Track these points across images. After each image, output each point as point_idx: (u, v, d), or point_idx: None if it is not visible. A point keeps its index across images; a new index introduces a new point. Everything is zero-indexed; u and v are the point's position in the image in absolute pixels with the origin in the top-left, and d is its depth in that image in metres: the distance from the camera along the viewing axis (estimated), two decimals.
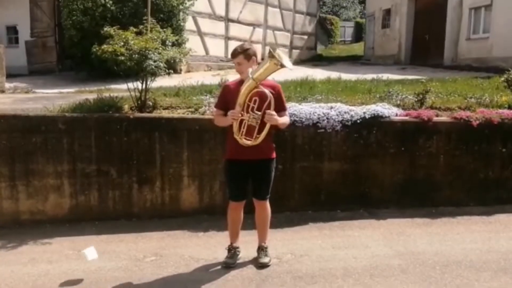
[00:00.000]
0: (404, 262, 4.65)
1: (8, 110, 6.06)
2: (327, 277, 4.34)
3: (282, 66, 4.07)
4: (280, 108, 4.37)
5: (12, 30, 16.95)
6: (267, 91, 4.17)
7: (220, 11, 16.46)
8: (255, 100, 4.19)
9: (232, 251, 4.65)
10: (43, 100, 7.24)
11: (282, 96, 4.47)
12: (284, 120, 4.44)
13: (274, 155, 4.53)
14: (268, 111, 4.17)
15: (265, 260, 4.56)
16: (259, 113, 4.18)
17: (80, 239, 5.28)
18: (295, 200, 6.11)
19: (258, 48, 18.20)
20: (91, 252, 4.48)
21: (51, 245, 5.18)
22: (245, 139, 4.24)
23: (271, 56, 4.07)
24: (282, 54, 4.16)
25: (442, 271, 4.44)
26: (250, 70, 4.25)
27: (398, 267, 4.54)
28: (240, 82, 4.34)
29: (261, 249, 4.64)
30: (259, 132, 4.22)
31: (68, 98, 7.33)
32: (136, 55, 5.70)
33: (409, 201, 6.19)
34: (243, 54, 4.36)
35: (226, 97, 4.42)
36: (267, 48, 18.63)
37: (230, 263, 4.56)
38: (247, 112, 4.20)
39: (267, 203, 4.60)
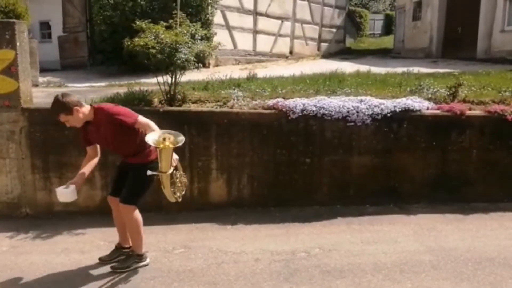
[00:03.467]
0: (435, 258, 4.58)
1: (42, 104, 6.18)
2: (356, 272, 4.31)
3: (176, 143, 3.95)
4: (130, 126, 4.11)
5: (45, 26, 17.29)
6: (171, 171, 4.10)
7: (249, 4, 16.41)
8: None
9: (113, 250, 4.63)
10: (75, 94, 7.32)
11: (120, 118, 4.08)
12: (148, 140, 3.96)
13: (140, 160, 4.22)
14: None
15: (117, 265, 4.41)
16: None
17: (111, 231, 5.32)
18: (324, 194, 6.08)
19: (286, 42, 18.15)
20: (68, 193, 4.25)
21: (83, 236, 5.28)
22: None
23: (161, 144, 3.91)
24: (167, 135, 3.99)
25: (475, 267, 4.36)
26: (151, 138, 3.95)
27: (429, 263, 4.48)
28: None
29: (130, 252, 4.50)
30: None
31: (99, 92, 7.45)
32: (168, 48, 5.74)
33: (440, 196, 6.08)
34: (63, 111, 4.04)
35: (85, 135, 4.34)
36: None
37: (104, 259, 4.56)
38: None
39: (126, 209, 4.26)
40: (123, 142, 4.21)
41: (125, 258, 4.46)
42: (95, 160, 4.42)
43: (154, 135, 3.96)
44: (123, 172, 4.40)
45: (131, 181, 4.26)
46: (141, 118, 4.17)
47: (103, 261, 4.53)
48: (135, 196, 4.27)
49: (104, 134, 4.18)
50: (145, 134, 4.08)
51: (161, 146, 3.90)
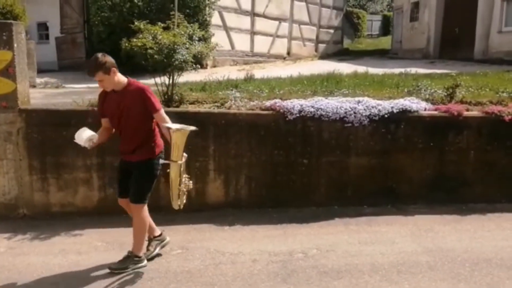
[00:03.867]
0: (432, 259, 4.58)
1: (39, 105, 6.19)
2: (353, 273, 4.31)
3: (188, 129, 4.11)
4: (152, 110, 4.18)
5: (43, 27, 17.26)
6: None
7: (246, 5, 16.44)
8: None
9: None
10: (72, 94, 7.38)
11: (151, 97, 4.19)
12: (166, 125, 4.16)
13: (141, 157, 4.28)
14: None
15: (114, 265, 4.35)
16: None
17: (109, 231, 5.36)
18: (321, 195, 6.08)
19: (284, 43, 18.17)
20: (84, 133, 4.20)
21: (81, 237, 5.27)
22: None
23: (176, 131, 4.05)
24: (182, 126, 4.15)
25: (472, 268, 4.37)
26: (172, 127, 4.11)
27: (426, 263, 4.48)
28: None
29: (128, 253, 4.44)
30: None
31: (97, 92, 7.28)
32: (165, 49, 5.74)
33: (438, 197, 6.09)
34: (101, 70, 4.05)
35: (102, 105, 4.37)
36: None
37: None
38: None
39: (137, 208, 4.31)
40: (135, 125, 4.23)
41: (123, 259, 4.43)
42: (111, 132, 4.48)
43: (171, 124, 4.14)
44: (124, 171, 4.43)
45: (136, 180, 4.30)
46: (163, 112, 4.27)
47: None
48: (144, 194, 4.32)
49: (124, 107, 4.17)
50: (155, 131, 4.32)
51: (176, 129, 4.02)
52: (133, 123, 4.22)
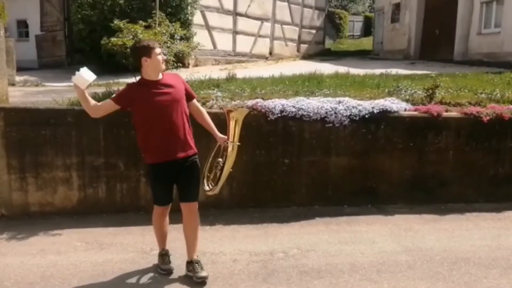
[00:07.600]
0: (411, 258, 4.63)
1: (18, 103, 6.10)
2: (333, 272, 4.34)
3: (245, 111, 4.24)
4: (190, 97, 4.29)
5: (23, 24, 17.02)
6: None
7: (228, 5, 16.42)
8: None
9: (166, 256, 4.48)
10: (52, 93, 7.28)
11: (187, 85, 4.30)
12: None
13: (194, 149, 4.33)
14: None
15: (204, 273, 4.13)
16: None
17: (88, 231, 5.31)
18: (302, 195, 6.10)
19: (266, 43, 18.21)
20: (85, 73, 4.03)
21: (60, 237, 5.21)
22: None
23: (230, 113, 4.20)
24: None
25: (450, 267, 4.43)
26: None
27: (405, 263, 4.53)
28: (144, 83, 4.08)
29: (196, 262, 4.23)
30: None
31: None
32: None
33: (417, 197, 6.16)
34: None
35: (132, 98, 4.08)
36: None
37: (171, 269, 4.37)
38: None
39: (196, 206, 4.30)
40: (185, 115, 4.15)
41: (199, 264, 4.22)
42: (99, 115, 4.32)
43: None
44: (170, 175, 4.18)
45: (193, 177, 4.25)
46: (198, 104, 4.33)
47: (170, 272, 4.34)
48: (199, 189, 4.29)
49: (176, 95, 4.06)
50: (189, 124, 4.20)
51: (239, 109, 4.07)
52: (184, 112, 4.12)
